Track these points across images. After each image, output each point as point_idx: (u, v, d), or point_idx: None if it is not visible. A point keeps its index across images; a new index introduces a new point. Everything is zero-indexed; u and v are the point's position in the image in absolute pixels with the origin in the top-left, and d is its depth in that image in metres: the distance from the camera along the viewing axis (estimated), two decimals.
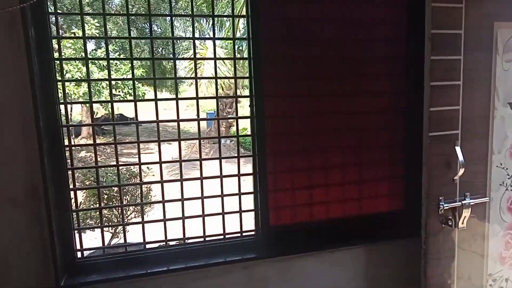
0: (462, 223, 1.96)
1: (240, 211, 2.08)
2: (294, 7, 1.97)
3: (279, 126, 2.03)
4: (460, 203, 1.94)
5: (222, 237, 2.07)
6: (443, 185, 1.91)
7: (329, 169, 2.14)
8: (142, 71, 13.13)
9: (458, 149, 1.89)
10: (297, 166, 2.08)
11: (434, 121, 1.86)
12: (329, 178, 2.14)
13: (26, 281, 1.69)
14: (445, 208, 1.91)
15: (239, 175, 2.07)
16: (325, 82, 2.06)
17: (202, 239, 2.04)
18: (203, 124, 16.09)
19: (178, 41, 13.96)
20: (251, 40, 1.94)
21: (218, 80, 13.14)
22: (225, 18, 13.62)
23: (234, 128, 15.64)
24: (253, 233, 2.10)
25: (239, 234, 2.09)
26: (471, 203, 1.95)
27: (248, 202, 2.12)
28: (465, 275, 2.03)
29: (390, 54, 2.16)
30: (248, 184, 2.11)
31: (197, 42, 16.09)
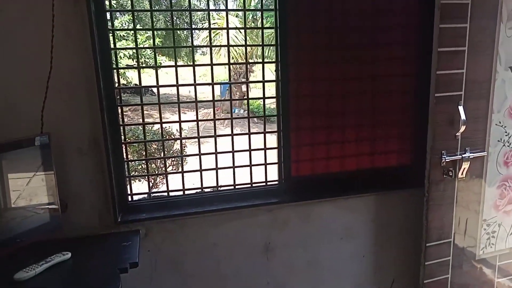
0: (462, 174, 2.23)
1: (265, 164, 2.38)
2: None
3: (301, 89, 2.28)
4: (461, 156, 2.20)
5: (249, 185, 2.38)
6: (446, 140, 2.17)
7: (345, 128, 2.40)
8: (158, 41, 13.31)
9: (461, 108, 2.13)
10: (316, 124, 2.35)
11: (440, 83, 2.09)
12: (345, 135, 2.41)
13: (90, 217, 2.03)
14: (446, 160, 2.18)
15: (264, 132, 2.35)
16: (343, 50, 2.29)
17: (232, 187, 2.36)
18: (217, 93, 16.31)
19: (193, 12, 14.01)
20: (278, 11, 2.17)
21: (236, 49, 13.23)
22: None
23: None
24: (276, 182, 2.40)
25: (264, 183, 2.40)
26: (470, 157, 2.21)
27: (272, 156, 2.41)
28: (463, 219, 2.32)
29: (404, 24, 2.37)
30: (268, 142, 2.39)
31: (213, 12, 16.13)
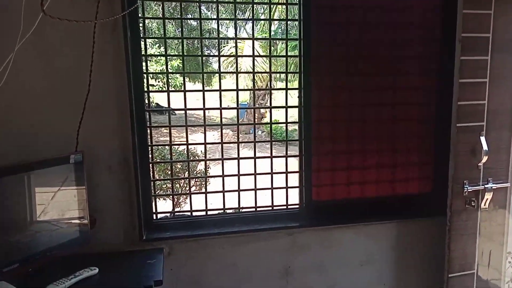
0: (484, 205, 2.23)
1: (287, 187, 2.43)
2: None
3: (323, 114, 2.34)
4: (483, 186, 2.20)
5: (270, 208, 2.42)
6: (468, 170, 2.18)
7: (366, 154, 2.44)
8: (179, 62, 13.68)
9: (483, 139, 2.15)
10: (337, 149, 2.39)
11: (462, 113, 2.13)
12: (366, 161, 2.44)
13: (116, 233, 2.10)
14: (469, 190, 2.18)
15: (286, 156, 2.41)
16: (364, 77, 2.36)
17: (253, 209, 2.40)
18: (236, 114, 16.57)
19: (211, 34, 14.44)
20: (302, 41, 2.26)
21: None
22: (260, 13, 13.86)
23: (265, 120, 16.00)
24: (297, 206, 2.44)
25: (285, 207, 2.44)
26: (493, 187, 2.21)
27: (294, 179, 2.45)
28: (486, 251, 2.29)
29: (424, 54, 2.42)
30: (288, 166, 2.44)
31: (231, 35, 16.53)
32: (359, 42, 2.33)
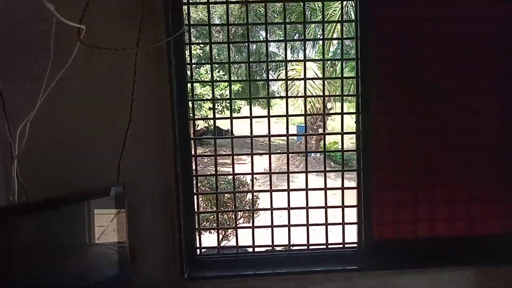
0: None
1: (343, 223, 2.17)
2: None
3: (384, 141, 2.08)
4: None
5: (324, 246, 2.16)
6: None
7: (435, 187, 2.11)
8: (239, 86, 13.91)
9: None
10: (401, 182, 2.10)
11: None
12: (436, 195, 2.11)
13: (157, 269, 1.98)
14: None
15: (342, 188, 2.16)
16: (432, 98, 2.07)
17: (305, 247, 2.17)
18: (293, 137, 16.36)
19: (273, 57, 14.52)
20: (360, 60, 2.04)
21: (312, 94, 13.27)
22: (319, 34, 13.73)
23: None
24: (355, 245, 2.16)
25: (341, 245, 2.17)
26: None
27: (351, 215, 2.19)
28: None
29: (504, 70, 2.08)
30: (338, 198, 2.19)
31: (290, 57, 16.55)
32: (425, 59, 2.05)
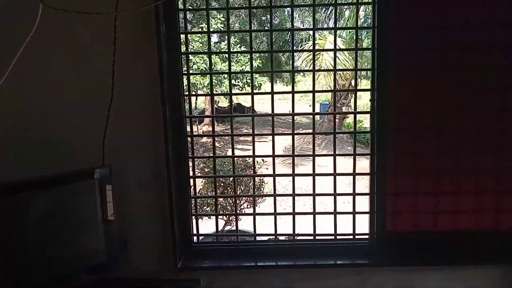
0: None
1: (354, 212, 1.96)
2: None
3: (404, 122, 1.83)
4: None
5: (333, 237, 1.97)
6: None
7: (461, 173, 1.86)
8: (259, 62, 13.55)
9: None
10: (422, 168, 1.85)
11: None
12: (460, 184, 1.86)
13: (149, 258, 1.84)
14: None
15: (354, 174, 1.94)
16: (461, 71, 1.79)
17: (311, 237, 1.98)
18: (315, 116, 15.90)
19: (296, 32, 14.03)
20: (376, 29, 1.77)
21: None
22: (344, 7, 13.12)
23: (348, 120, 15.15)
24: (366, 237, 1.95)
25: (351, 237, 1.97)
26: None
27: (363, 203, 1.97)
28: None
29: None
30: (362, 183, 1.96)
31: (316, 32, 15.95)
32: (454, 27, 1.76)
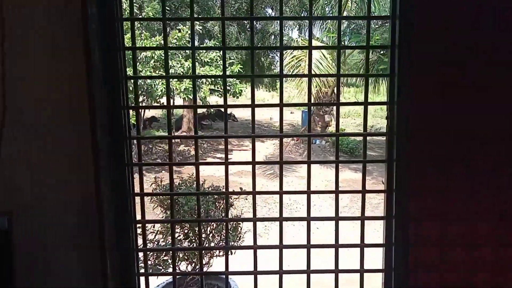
0: None
1: (362, 271, 1.44)
2: None
3: (431, 148, 1.33)
4: None
5: None
6: None
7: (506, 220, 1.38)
8: (240, 68, 13.00)
9: None
10: (453, 211, 1.36)
11: None
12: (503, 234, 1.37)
13: None
14: None
15: (363, 218, 1.43)
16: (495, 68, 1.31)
17: None
18: (298, 121, 15.41)
19: (276, 37, 13.67)
20: (398, 19, 1.28)
21: (317, 76, 12.41)
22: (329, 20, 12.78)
23: (330, 129, 14.75)
24: None
25: None
26: None
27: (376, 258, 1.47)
28: None
29: None
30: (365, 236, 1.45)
31: (297, 37, 15.54)
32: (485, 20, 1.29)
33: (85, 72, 1.14)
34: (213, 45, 12.31)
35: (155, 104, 10.38)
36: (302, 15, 13.70)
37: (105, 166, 1.22)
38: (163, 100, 11.59)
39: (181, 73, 10.70)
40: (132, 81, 1.33)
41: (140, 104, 8.84)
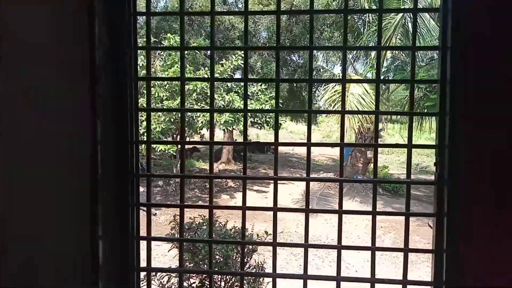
0: None
1: None
2: None
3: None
4: None
5: None
6: None
7: None
8: (280, 102, 12.91)
9: None
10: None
11: None
12: None
13: None
14: None
15: (406, 249, 1.18)
16: None
17: None
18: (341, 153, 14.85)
19: (318, 72, 13.62)
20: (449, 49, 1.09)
21: (351, 113, 12.05)
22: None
23: (372, 165, 14.16)
24: None
25: None
26: None
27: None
28: None
29: None
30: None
31: (339, 72, 15.37)
32: None
33: (89, 96, 1.03)
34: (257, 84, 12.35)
35: (196, 136, 10.41)
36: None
37: (108, 208, 1.08)
38: (204, 132, 11.74)
39: (222, 106, 10.80)
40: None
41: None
